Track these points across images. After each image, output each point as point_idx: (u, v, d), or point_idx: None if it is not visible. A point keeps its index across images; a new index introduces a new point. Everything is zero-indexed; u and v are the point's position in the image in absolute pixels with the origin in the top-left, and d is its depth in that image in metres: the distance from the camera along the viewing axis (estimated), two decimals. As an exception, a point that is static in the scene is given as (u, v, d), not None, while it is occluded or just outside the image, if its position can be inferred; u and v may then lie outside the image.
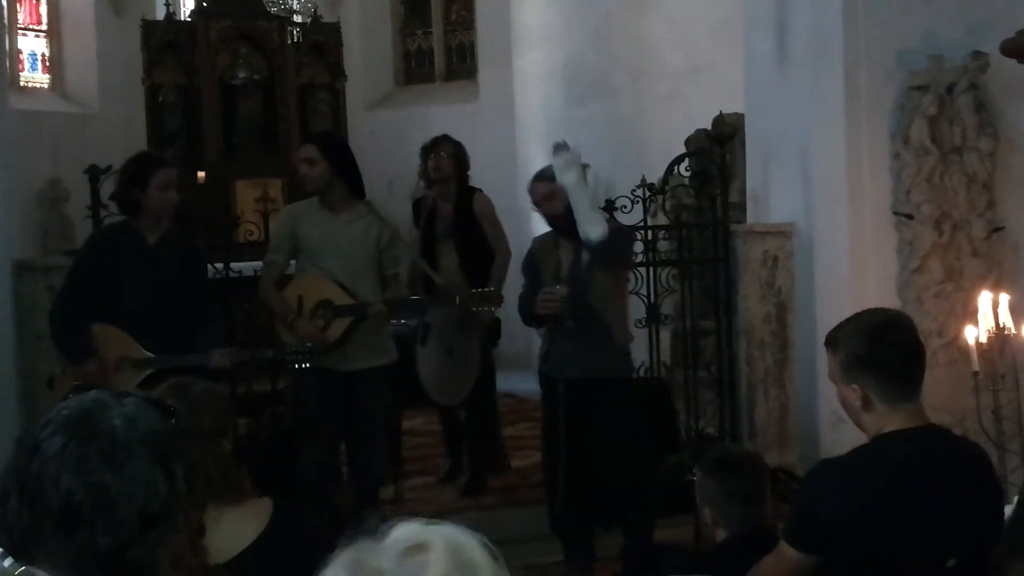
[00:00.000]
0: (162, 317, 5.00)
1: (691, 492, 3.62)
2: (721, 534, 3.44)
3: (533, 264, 5.41)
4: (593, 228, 4.96)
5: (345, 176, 5.39)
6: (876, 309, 3.12)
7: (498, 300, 5.42)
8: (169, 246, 5.13)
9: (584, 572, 5.34)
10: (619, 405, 5.17)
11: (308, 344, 5.19)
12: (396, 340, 5.80)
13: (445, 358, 6.18)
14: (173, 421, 1.76)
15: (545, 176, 5.28)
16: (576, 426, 5.13)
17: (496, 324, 6.63)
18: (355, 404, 5.37)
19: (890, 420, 2.86)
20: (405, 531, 1.28)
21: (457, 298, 5.57)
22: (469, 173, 6.82)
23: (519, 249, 11.83)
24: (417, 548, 1.26)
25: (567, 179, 5.03)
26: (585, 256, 5.12)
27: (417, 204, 6.95)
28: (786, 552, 2.92)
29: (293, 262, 5.56)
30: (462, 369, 6.26)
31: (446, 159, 6.65)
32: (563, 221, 5.19)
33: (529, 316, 5.35)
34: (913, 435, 2.86)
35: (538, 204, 5.31)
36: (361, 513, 5.48)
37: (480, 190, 6.80)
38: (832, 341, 2.95)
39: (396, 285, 5.56)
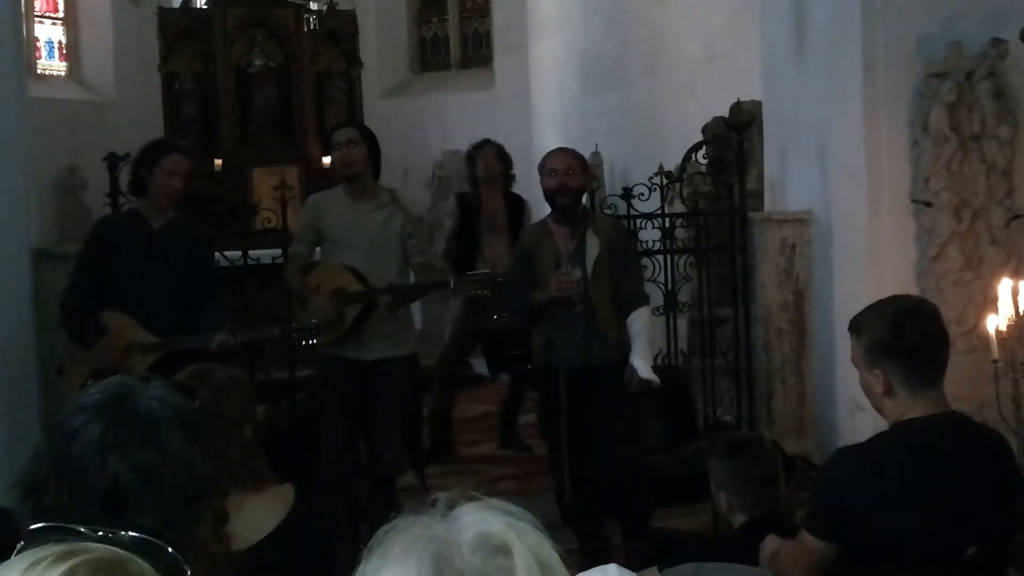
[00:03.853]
0: (168, 301, 5.01)
1: (708, 480, 3.62)
2: (739, 519, 3.45)
3: (525, 255, 5.35)
4: (643, 366, 5.16)
5: (375, 163, 5.46)
6: (900, 296, 3.12)
7: (493, 283, 5.46)
8: (175, 231, 5.14)
9: (599, 559, 5.34)
10: (617, 391, 5.18)
11: (313, 320, 5.21)
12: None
13: None
14: (196, 403, 1.78)
15: (573, 153, 5.31)
16: (577, 414, 5.14)
17: None
18: (372, 394, 5.38)
19: (912, 407, 2.85)
20: (478, 522, 1.26)
21: (452, 282, 5.64)
22: (513, 172, 7.35)
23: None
24: (500, 550, 1.24)
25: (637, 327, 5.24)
26: (595, 247, 5.12)
27: (463, 198, 7.42)
28: (808, 542, 2.92)
29: (319, 249, 5.61)
30: None
31: (494, 159, 7.19)
32: (570, 198, 5.21)
33: (524, 306, 5.33)
34: (934, 422, 2.86)
35: (553, 175, 5.24)
36: (378, 502, 5.50)
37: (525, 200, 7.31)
38: (856, 326, 2.95)
39: (427, 272, 5.57)
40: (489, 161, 7.18)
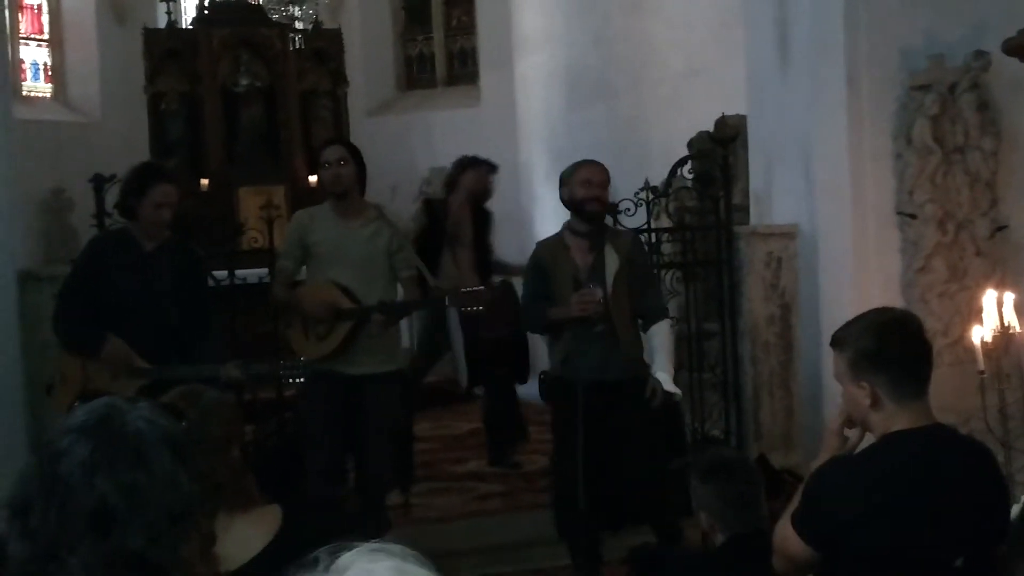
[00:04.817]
0: (157, 324, 4.97)
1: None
2: (719, 539, 3.45)
3: (541, 269, 5.31)
4: (666, 379, 5.25)
5: (361, 180, 5.46)
6: (883, 308, 3.13)
7: (487, 299, 5.45)
8: (167, 254, 5.11)
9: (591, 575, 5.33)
10: (636, 406, 5.17)
11: (301, 358, 5.20)
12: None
13: None
14: (184, 424, 1.79)
15: (602, 167, 5.28)
16: (595, 430, 5.09)
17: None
18: (361, 410, 5.37)
19: (898, 419, 2.86)
20: (353, 563, 1.27)
21: (447, 298, 5.63)
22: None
23: (523, 251, 11.84)
24: None
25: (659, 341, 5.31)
26: (614, 263, 5.12)
27: (430, 204, 7.49)
28: (793, 539, 2.92)
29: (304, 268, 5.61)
30: None
31: (489, 182, 7.33)
32: (602, 210, 5.21)
33: (542, 322, 5.31)
34: (921, 434, 2.87)
35: (588, 187, 5.20)
36: (367, 519, 5.49)
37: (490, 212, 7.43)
38: (839, 341, 2.95)
39: (413, 287, 5.57)
40: (483, 179, 7.28)
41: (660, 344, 5.29)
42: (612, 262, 5.14)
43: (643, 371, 5.27)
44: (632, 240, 5.52)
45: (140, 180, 5.09)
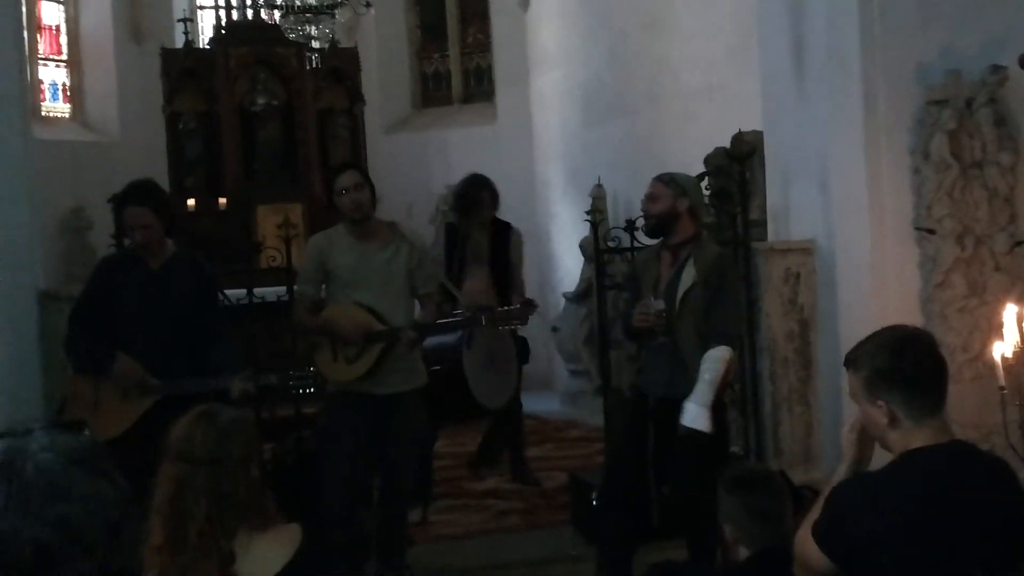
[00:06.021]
0: (166, 341, 4.98)
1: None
2: (743, 552, 3.44)
3: (634, 278, 5.37)
4: (693, 411, 4.90)
5: (373, 202, 5.48)
6: (895, 325, 3.11)
7: (523, 318, 5.45)
8: (174, 271, 5.13)
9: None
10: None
11: (311, 368, 5.19)
12: (441, 351, 6.16)
13: (487, 364, 6.58)
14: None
15: (660, 178, 5.26)
16: (660, 442, 5.04)
17: (523, 344, 7.13)
18: (388, 428, 5.38)
19: (916, 436, 2.85)
20: None
21: (483, 318, 5.60)
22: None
23: (539, 268, 11.82)
24: None
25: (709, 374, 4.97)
26: (689, 279, 5.07)
27: (451, 229, 7.34)
28: (815, 551, 2.91)
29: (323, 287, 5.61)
30: (504, 375, 6.69)
31: (491, 203, 7.15)
32: (652, 222, 5.20)
33: (627, 330, 5.32)
34: (940, 451, 2.85)
35: (643, 202, 5.23)
36: (391, 538, 5.49)
37: (514, 227, 7.29)
38: (852, 361, 2.94)
39: (431, 304, 5.58)
40: (487, 207, 7.14)
41: (704, 371, 4.96)
42: (687, 278, 5.04)
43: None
44: (716, 258, 5.21)
45: (117, 206, 5.16)
